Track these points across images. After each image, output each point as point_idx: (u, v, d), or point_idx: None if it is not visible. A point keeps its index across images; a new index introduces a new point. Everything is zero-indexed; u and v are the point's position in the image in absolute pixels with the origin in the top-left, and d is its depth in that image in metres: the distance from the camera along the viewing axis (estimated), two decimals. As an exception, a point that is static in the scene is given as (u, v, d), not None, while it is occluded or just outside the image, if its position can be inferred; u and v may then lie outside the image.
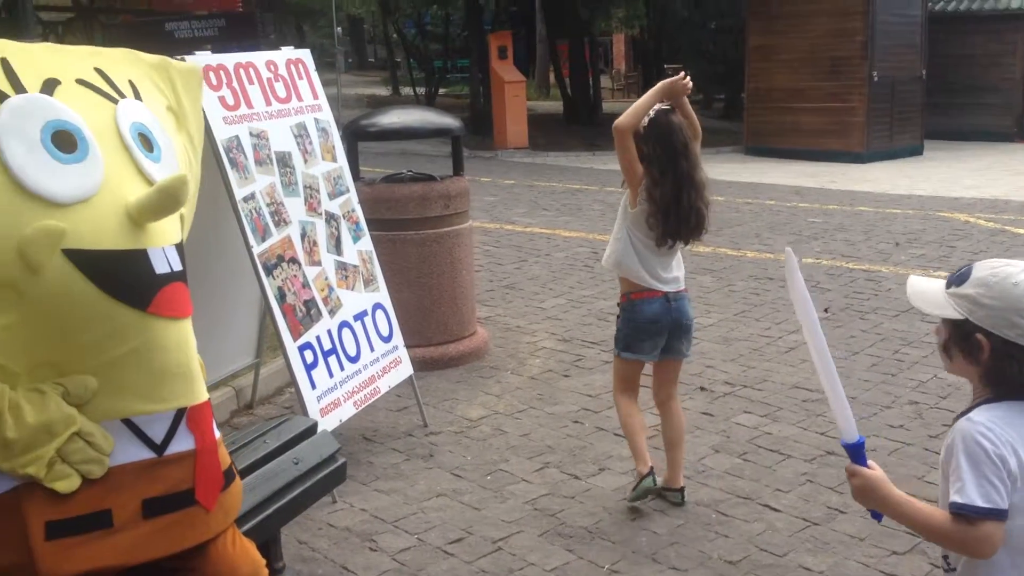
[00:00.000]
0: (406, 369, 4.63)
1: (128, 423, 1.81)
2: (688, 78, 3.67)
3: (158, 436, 1.84)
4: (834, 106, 15.57)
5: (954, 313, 1.72)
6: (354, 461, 4.25)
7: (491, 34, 19.21)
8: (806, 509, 3.71)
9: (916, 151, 16.04)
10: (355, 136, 5.68)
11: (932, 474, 3.85)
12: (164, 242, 1.83)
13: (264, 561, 2.31)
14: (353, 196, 4.61)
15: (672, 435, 3.82)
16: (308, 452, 3.19)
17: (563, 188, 12.81)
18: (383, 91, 30.16)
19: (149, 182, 1.83)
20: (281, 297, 3.92)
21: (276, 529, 3.04)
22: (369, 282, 4.56)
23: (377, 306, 4.56)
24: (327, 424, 3.95)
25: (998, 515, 1.62)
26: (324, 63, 35.52)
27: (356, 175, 5.67)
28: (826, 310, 4.74)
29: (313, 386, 3.95)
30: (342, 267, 4.39)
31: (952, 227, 9.36)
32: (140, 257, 1.78)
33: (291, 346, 3.90)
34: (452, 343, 5.55)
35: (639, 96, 3.73)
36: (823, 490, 3.86)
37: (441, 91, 27.24)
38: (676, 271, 3.79)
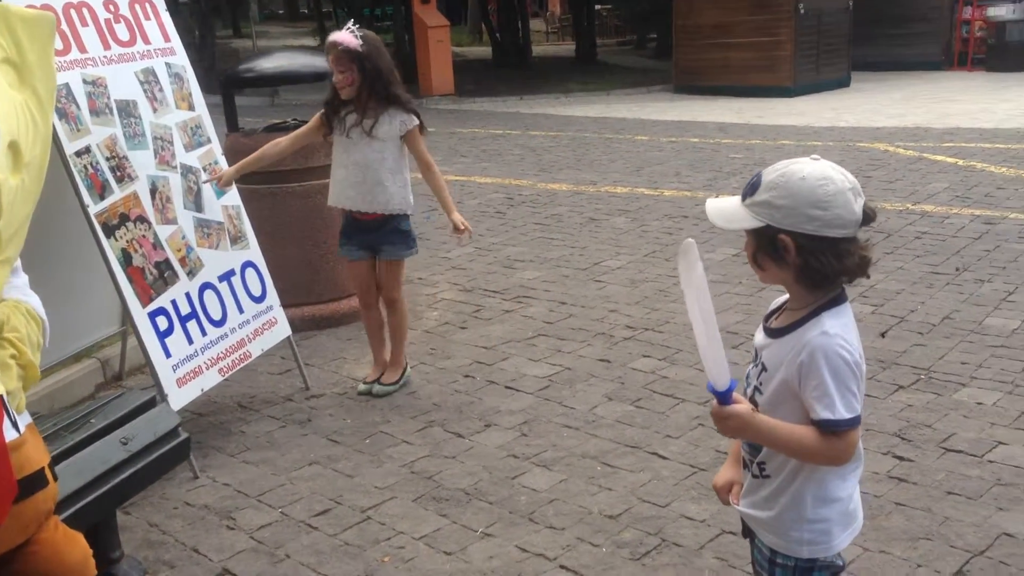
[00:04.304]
0: (283, 330, 4.35)
1: None
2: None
3: None
4: (761, 40, 15.37)
5: (755, 222, 1.71)
6: (224, 431, 3.99)
7: (412, -22, 18.60)
8: (694, 455, 3.54)
9: (843, 83, 15.95)
10: (231, 84, 5.33)
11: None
12: None
13: (91, 551, 2.13)
14: (216, 147, 4.28)
15: None
16: (141, 429, 2.92)
17: (485, 134, 12.49)
18: (311, 42, 29.29)
19: None
20: (127, 260, 3.61)
21: (104, 516, 2.78)
22: (237, 239, 4.25)
23: (247, 264, 4.26)
24: (186, 395, 3.69)
25: (859, 420, 1.69)
26: (243, 13, 34.40)
27: (234, 126, 5.35)
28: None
29: (168, 355, 3.66)
30: (204, 224, 4.07)
31: (871, 157, 9.25)
32: None
33: (139, 313, 3.59)
34: (344, 299, 5.27)
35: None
36: (713, 434, 3.68)
37: (370, 40, 26.52)
38: None
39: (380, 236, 4.13)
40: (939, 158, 8.97)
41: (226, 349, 3.97)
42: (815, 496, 1.78)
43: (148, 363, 3.61)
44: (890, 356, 4.32)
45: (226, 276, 4.10)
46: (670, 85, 17.00)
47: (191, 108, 4.19)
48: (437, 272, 6.15)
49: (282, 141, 4.23)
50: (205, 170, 4.14)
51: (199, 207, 4.06)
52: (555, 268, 6.04)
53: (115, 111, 3.74)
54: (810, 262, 1.68)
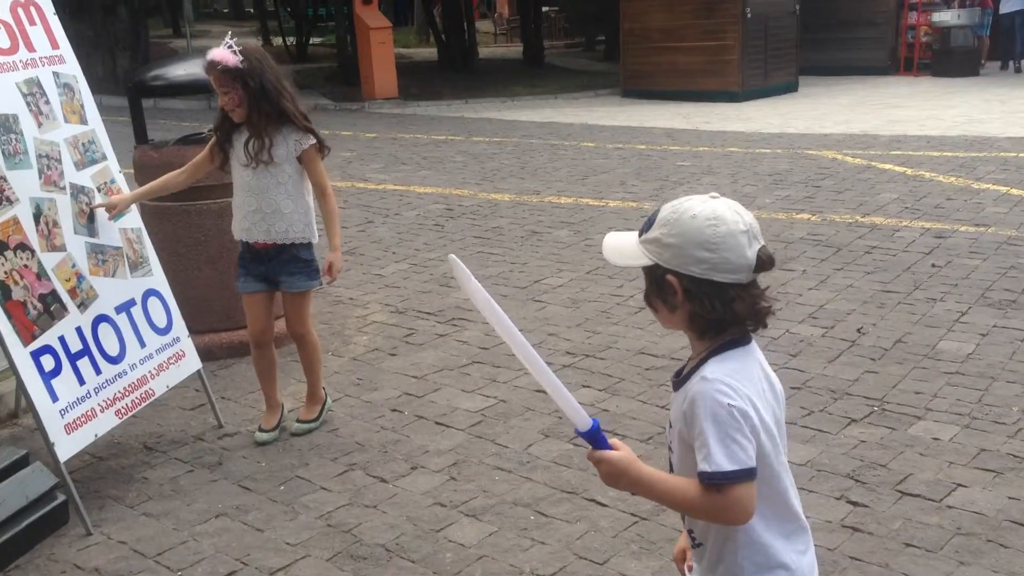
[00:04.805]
0: (191, 364, 4.00)
1: None
2: None
3: None
4: (709, 44, 15.25)
5: (645, 260, 1.58)
6: (125, 478, 3.62)
7: (354, -22, 18.17)
8: (635, 502, 3.26)
9: (791, 88, 15.89)
10: (138, 92, 4.94)
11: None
12: None
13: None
14: (113, 164, 3.91)
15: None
16: (9, 494, 2.59)
17: (428, 140, 12.14)
18: (253, 42, 28.63)
19: None
20: (5, 293, 3.23)
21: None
22: (138, 265, 3.89)
23: (150, 293, 3.90)
24: (77, 442, 3.31)
25: (748, 474, 1.48)
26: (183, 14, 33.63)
27: (143, 137, 4.97)
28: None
29: (55, 398, 3.28)
30: (98, 250, 3.70)
31: (819, 165, 9.10)
32: None
33: (20, 352, 3.21)
34: (264, 324, 4.91)
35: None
36: (656, 478, 3.42)
37: (314, 40, 25.99)
38: None
39: (278, 266, 3.77)
40: (887, 167, 8.85)
41: (124, 388, 3.60)
42: (754, 563, 1.59)
43: (31, 409, 3.24)
44: (842, 385, 4.09)
45: (125, 307, 3.74)
46: (618, 89, 16.83)
47: (83, 121, 3.81)
48: (369, 291, 5.82)
49: (180, 174, 3.81)
50: (100, 190, 3.77)
51: (92, 231, 3.69)
52: (493, 287, 5.74)
53: (-6, 127, 3.36)
54: (698, 308, 1.55)
